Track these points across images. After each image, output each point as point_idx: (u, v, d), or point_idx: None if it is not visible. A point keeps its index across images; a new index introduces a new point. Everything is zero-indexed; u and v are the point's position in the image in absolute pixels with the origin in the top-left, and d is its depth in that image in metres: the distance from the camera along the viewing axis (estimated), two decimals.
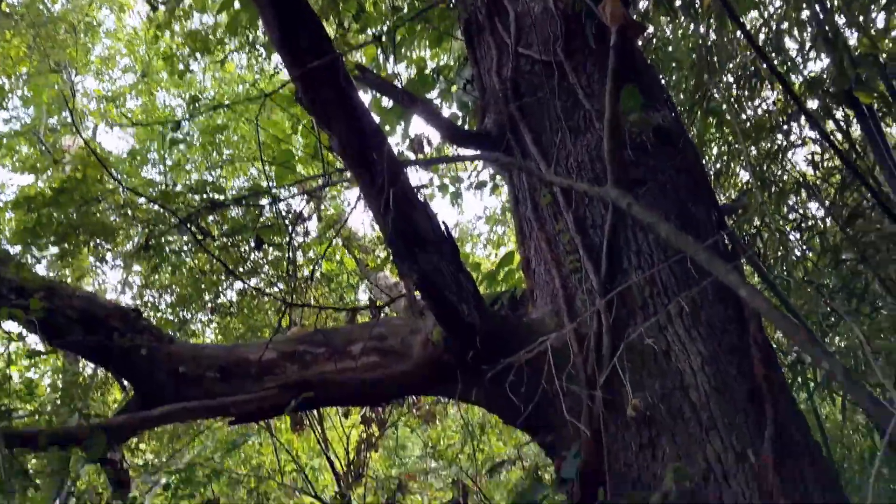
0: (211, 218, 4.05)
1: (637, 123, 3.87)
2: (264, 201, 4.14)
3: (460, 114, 5.58)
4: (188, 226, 3.59)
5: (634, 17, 3.84)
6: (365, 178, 2.99)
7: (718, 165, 6.04)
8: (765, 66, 5.45)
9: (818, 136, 5.85)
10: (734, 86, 5.80)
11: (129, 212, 3.76)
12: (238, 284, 6.05)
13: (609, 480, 3.03)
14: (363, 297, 8.66)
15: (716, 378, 3.12)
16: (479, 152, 4.08)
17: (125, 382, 4.67)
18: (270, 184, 4.89)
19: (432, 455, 7.64)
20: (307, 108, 2.92)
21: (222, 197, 4.04)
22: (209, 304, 6.09)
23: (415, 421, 7.30)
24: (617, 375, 3.26)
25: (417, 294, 3.87)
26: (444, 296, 3.26)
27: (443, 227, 3.29)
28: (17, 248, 4.14)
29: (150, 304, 6.97)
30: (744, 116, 5.57)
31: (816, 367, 4.98)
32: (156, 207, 3.63)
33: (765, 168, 5.69)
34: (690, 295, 3.31)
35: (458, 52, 6.05)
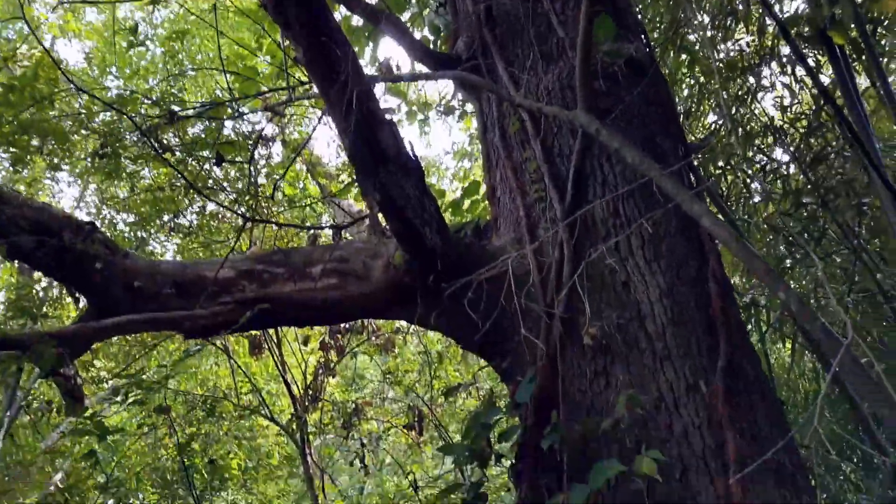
0: (170, 132, 3.91)
1: (609, 53, 3.81)
2: (226, 116, 4.01)
3: (432, 37, 5.44)
4: (146, 137, 3.46)
5: None
6: (330, 91, 2.90)
7: (688, 104, 6.01)
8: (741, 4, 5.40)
9: (789, 81, 5.86)
10: (708, 25, 5.73)
11: (85, 118, 3.61)
12: (197, 205, 5.94)
13: (563, 406, 3.06)
14: (326, 222, 8.59)
15: (672, 310, 3.15)
16: (460, 89, 3.98)
17: (79, 297, 4.56)
18: (233, 98, 4.74)
19: (390, 383, 7.70)
20: (273, 15, 2.80)
21: (182, 110, 3.90)
22: (168, 224, 5.96)
23: (373, 349, 7.33)
24: (575, 303, 3.28)
25: (381, 217, 3.83)
26: (408, 217, 3.22)
27: (408, 147, 3.23)
28: None
29: (107, 222, 6.82)
30: (717, 56, 5.52)
31: (771, 306, 5.08)
32: (113, 116, 3.48)
33: (734, 110, 5.68)
34: (652, 221, 3.32)
35: None
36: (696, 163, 4.44)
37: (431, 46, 5.51)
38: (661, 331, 3.10)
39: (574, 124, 2.94)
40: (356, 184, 6.59)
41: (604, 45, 3.79)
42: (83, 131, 3.79)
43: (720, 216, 4.85)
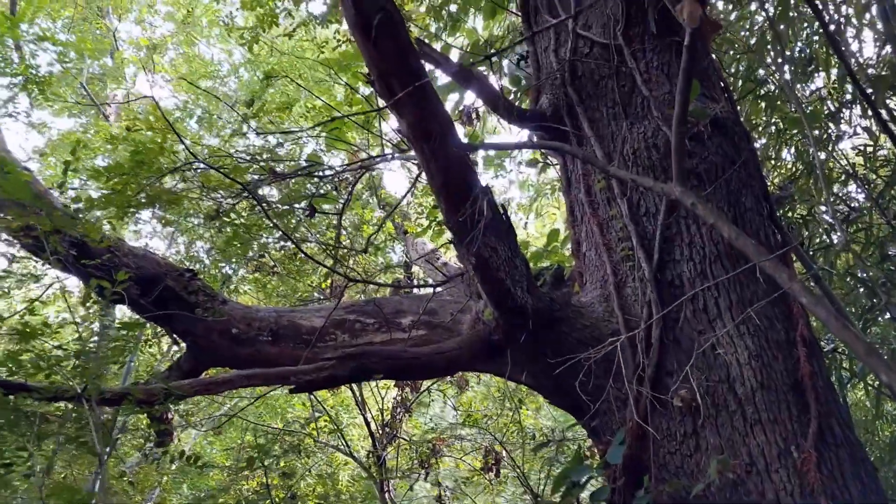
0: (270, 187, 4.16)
1: (695, 113, 3.88)
2: (321, 173, 4.21)
3: (512, 88, 5.59)
4: (254, 196, 3.69)
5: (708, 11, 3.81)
6: (431, 164, 3.06)
7: (768, 150, 6.01)
8: (825, 49, 5.41)
9: (871, 125, 5.82)
10: (788, 71, 5.74)
11: (199, 181, 3.87)
12: (280, 244, 6.17)
13: (653, 467, 3.13)
14: (396, 255, 8.80)
15: (762, 373, 3.19)
16: (539, 138, 4.11)
17: (179, 340, 4.81)
18: (325, 154, 5.03)
19: (464, 421, 7.81)
20: (381, 94, 2.98)
21: (281, 166, 4.14)
22: (253, 261, 6.21)
23: (447, 386, 7.46)
24: (664, 364, 3.36)
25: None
26: (499, 278, 3.35)
27: (501, 212, 3.36)
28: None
29: (194, 257, 7.11)
30: (797, 102, 5.53)
31: (856, 360, 5.03)
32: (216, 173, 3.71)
33: (813, 156, 5.67)
34: (740, 283, 3.38)
35: (509, 26, 6.03)
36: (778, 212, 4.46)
37: (511, 97, 5.66)
38: (751, 394, 3.15)
39: (669, 196, 3.03)
40: (431, 227, 6.78)
41: (689, 105, 3.87)
42: (196, 191, 4.06)
43: (802, 266, 4.84)
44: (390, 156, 4.05)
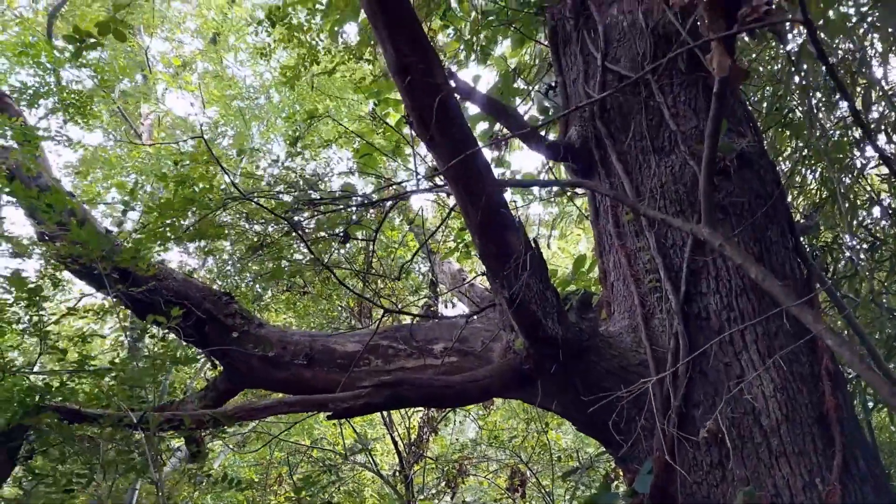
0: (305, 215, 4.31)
1: (722, 149, 3.98)
2: (355, 204, 4.37)
3: (540, 117, 5.71)
4: (295, 229, 3.85)
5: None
6: (467, 202, 3.19)
7: (793, 177, 6.08)
8: (850, 75, 5.48)
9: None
10: (813, 98, 5.82)
11: (242, 212, 4.05)
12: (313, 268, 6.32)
13: (679, 497, 3.22)
14: (418, 267, 8.93)
15: (787, 406, 3.27)
16: (568, 170, 4.23)
17: (217, 363, 4.96)
18: (356, 176, 5.20)
19: (489, 441, 7.93)
20: (419, 133, 3.12)
21: (317, 194, 4.31)
22: (286, 283, 6.36)
23: (474, 405, 7.57)
24: (691, 395, 3.46)
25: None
26: (531, 310, 3.46)
27: (533, 246, 3.48)
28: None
29: (229, 275, 7.27)
30: (820, 129, 5.61)
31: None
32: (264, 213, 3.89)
33: (838, 184, 5.73)
34: (765, 317, 3.47)
35: (538, 53, 6.16)
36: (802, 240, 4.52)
37: (539, 124, 5.79)
38: (776, 426, 3.23)
39: (698, 236, 3.13)
40: (458, 248, 6.91)
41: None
42: (238, 222, 4.24)
43: (827, 296, 4.91)
44: (424, 189, 4.19)
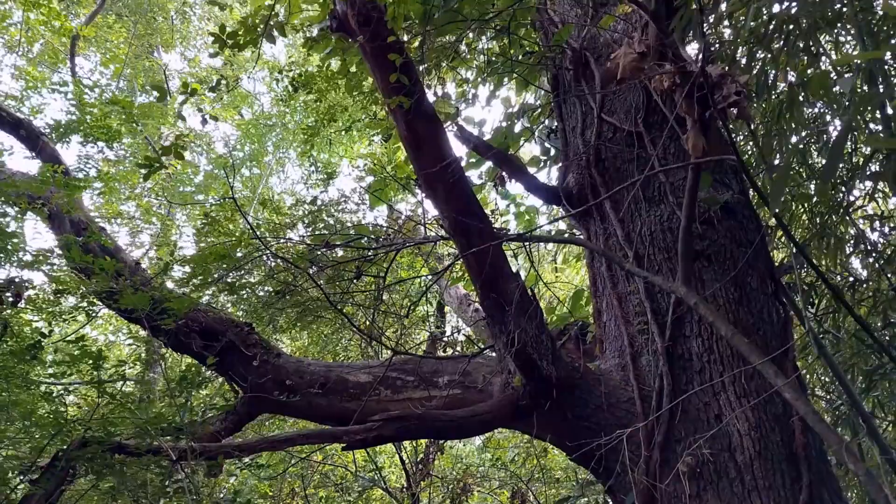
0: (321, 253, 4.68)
1: (706, 201, 4.32)
2: (368, 246, 4.73)
3: (542, 157, 6.06)
4: (314, 280, 4.22)
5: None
6: (469, 255, 3.53)
7: (782, 217, 6.39)
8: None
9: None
10: (801, 144, 6.12)
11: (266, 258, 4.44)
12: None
13: None
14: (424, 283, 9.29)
15: (760, 443, 3.60)
16: (565, 214, 4.57)
17: (237, 389, 5.30)
18: (366, 208, 5.59)
19: (492, 463, 8.25)
20: (427, 195, 3.47)
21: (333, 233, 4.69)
22: (296, 313, 6.70)
23: None
24: (673, 432, 3.78)
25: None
26: (528, 352, 3.80)
27: (529, 295, 3.82)
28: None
29: (242, 299, 7.62)
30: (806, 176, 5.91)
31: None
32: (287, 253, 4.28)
33: (822, 222, 6.02)
34: (742, 359, 3.79)
35: (542, 96, 6.49)
36: (784, 280, 4.83)
37: (541, 164, 6.13)
38: (749, 462, 3.56)
39: (676, 294, 3.47)
40: (465, 276, 7.24)
41: (701, 193, 4.30)
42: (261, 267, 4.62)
43: (807, 333, 5.21)
44: (431, 239, 4.54)
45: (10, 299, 4.74)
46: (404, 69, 3.21)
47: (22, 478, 3.72)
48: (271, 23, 3.73)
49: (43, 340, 4.14)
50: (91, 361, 3.89)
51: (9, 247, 4.44)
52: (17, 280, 4.94)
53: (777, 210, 3.15)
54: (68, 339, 3.99)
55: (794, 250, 4.75)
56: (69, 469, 3.60)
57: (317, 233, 4.66)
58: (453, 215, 3.50)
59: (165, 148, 3.74)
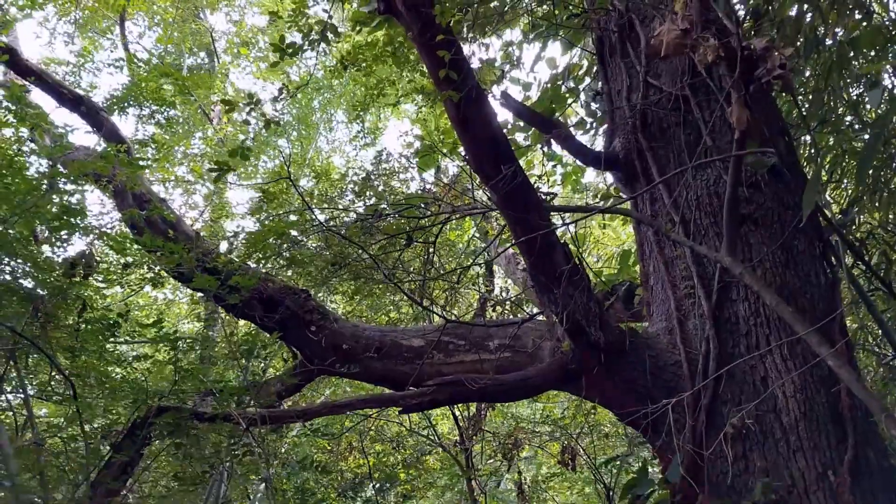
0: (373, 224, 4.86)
1: (753, 165, 4.33)
2: (420, 214, 4.86)
3: (588, 119, 6.09)
4: (368, 252, 4.39)
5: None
6: (517, 228, 3.64)
7: (831, 173, 6.33)
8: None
9: None
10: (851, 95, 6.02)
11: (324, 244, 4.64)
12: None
13: (706, 485, 3.68)
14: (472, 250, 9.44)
15: (805, 405, 3.68)
16: (613, 178, 4.62)
17: (296, 352, 5.54)
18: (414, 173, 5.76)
19: (542, 419, 8.45)
20: (476, 170, 3.58)
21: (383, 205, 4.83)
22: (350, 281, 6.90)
23: None
24: (719, 395, 3.89)
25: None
26: (576, 319, 3.92)
27: (577, 263, 3.92)
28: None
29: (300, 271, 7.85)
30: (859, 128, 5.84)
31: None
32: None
33: (876, 174, 5.95)
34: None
35: (587, 56, 6.48)
36: (834, 240, 4.83)
37: (588, 126, 6.16)
38: (794, 423, 3.65)
39: (721, 264, 3.53)
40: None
41: (748, 157, 4.31)
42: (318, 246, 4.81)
43: (855, 291, 5.21)
44: (480, 209, 4.65)
45: (83, 272, 5.03)
46: (454, 65, 3.30)
47: (104, 444, 4.02)
48: (325, 26, 3.83)
49: (121, 322, 4.41)
50: (168, 344, 4.15)
51: (80, 223, 4.71)
52: (87, 253, 5.22)
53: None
54: (147, 324, 4.26)
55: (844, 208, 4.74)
56: (146, 435, 3.88)
57: (368, 203, 4.82)
58: (502, 192, 3.60)
59: (232, 151, 3.91)
